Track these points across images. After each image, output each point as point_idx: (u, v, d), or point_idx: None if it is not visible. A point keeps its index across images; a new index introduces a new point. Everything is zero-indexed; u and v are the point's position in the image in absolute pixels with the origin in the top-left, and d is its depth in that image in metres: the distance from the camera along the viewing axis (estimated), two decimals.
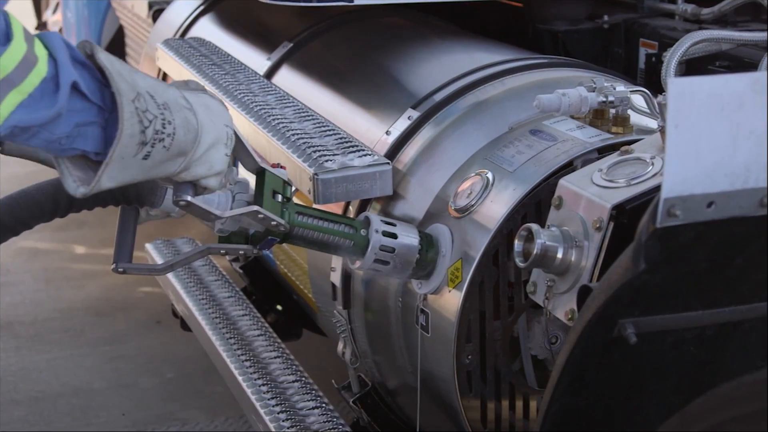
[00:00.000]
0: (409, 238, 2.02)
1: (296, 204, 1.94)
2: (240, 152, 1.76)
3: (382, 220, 2.02)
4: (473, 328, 2.01)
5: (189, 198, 1.65)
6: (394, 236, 2.00)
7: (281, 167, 1.88)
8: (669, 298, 1.45)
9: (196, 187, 1.65)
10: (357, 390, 2.42)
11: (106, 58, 1.47)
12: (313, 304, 2.68)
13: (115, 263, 1.80)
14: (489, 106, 2.27)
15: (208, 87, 2.80)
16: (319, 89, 2.80)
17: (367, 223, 2.02)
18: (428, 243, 2.03)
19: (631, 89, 2.07)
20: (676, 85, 1.31)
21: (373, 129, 2.42)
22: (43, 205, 1.81)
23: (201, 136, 1.57)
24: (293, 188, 1.92)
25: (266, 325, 2.77)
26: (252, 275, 3.18)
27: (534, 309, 1.99)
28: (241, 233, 1.92)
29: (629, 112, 2.05)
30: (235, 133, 1.70)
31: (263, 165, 1.82)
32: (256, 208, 1.80)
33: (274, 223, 1.84)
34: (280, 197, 1.86)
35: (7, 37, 1.38)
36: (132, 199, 1.83)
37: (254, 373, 2.50)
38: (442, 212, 2.09)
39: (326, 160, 2.16)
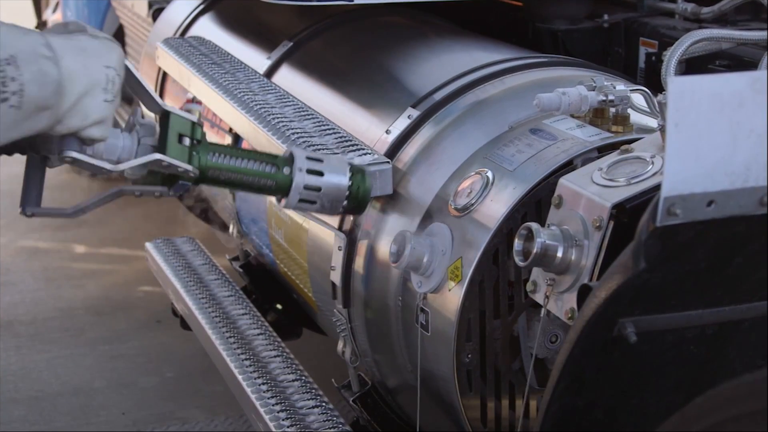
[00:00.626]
0: (337, 176, 1.90)
1: (210, 144, 1.82)
2: (139, 93, 1.68)
3: (307, 157, 1.90)
4: (473, 327, 2.01)
5: (74, 154, 1.57)
6: (320, 174, 1.89)
7: (196, 103, 1.82)
8: (669, 297, 1.45)
9: (83, 140, 1.57)
10: (357, 389, 2.42)
11: None
12: (313, 303, 2.68)
13: (23, 207, 1.70)
14: (489, 105, 2.27)
15: (208, 86, 2.80)
16: (319, 88, 2.80)
17: (291, 160, 1.89)
18: (361, 178, 1.92)
19: (631, 88, 2.07)
20: (676, 84, 1.30)
21: (372, 128, 2.42)
22: None
23: (66, 86, 1.48)
24: (202, 128, 1.80)
25: (266, 324, 2.77)
26: (252, 274, 3.18)
27: (534, 308, 1.99)
28: (156, 173, 1.79)
29: (629, 111, 2.05)
30: (131, 73, 1.62)
31: (166, 107, 1.72)
32: (157, 156, 1.70)
33: (181, 169, 1.75)
34: (188, 140, 1.74)
35: None
36: (26, 149, 1.71)
37: (254, 372, 2.50)
38: (442, 211, 2.09)
39: None
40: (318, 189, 1.88)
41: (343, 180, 1.90)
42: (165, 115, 1.72)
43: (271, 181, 1.87)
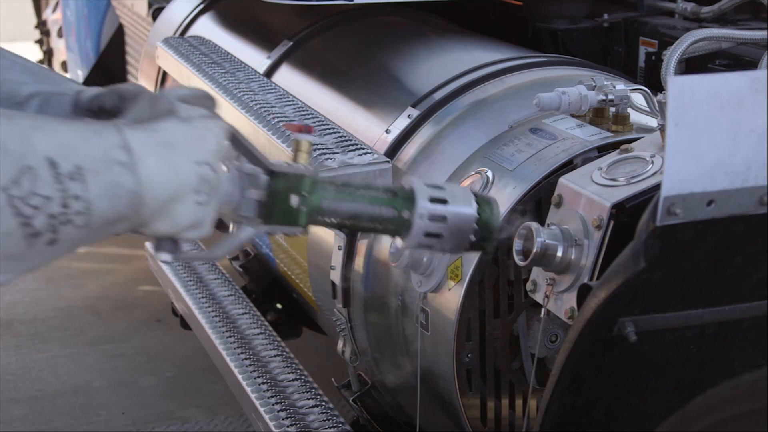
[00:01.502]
0: (463, 206, 1.62)
1: (322, 184, 1.56)
2: (244, 153, 1.49)
3: (430, 198, 1.62)
4: (473, 327, 2.01)
5: (167, 258, 1.39)
6: (443, 201, 1.62)
7: (307, 130, 1.58)
8: (669, 297, 1.45)
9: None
10: (357, 388, 2.42)
11: None
12: (312, 303, 2.68)
13: (157, 252, 1.46)
14: (489, 105, 2.27)
15: (208, 86, 2.80)
16: (319, 88, 2.80)
17: (411, 196, 1.61)
18: (489, 207, 1.64)
19: (630, 88, 2.07)
20: (676, 84, 1.30)
21: (372, 127, 2.42)
22: None
23: (145, 196, 1.26)
24: (315, 169, 1.58)
25: (266, 323, 2.77)
26: (252, 274, 3.18)
27: (534, 307, 1.99)
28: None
29: (629, 110, 2.05)
30: (236, 138, 1.42)
31: (275, 167, 1.51)
32: (257, 231, 1.53)
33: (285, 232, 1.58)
34: (296, 199, 1.53)
35: None
36: None
37: (254, 371, 2.50)
38: None
39: (326, 159, 2.16)
40: (443, 219, 1.62)
41: (469, 210, 1.63)
42: (273, 175, 1.51)
43: (390, 225, 1.62)
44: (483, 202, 1.64)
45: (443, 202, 1.60)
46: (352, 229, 1.64)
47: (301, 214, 1.54)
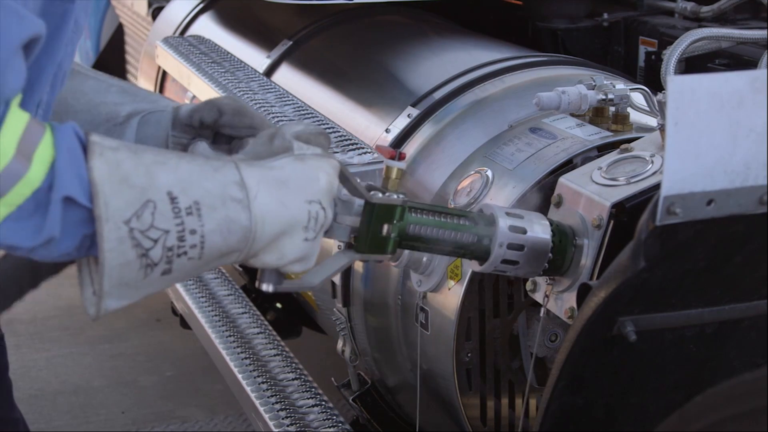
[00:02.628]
0: (540, 232, 1.68)
1: (410, 211, 1.58)
2: (344, 183, 1.48)
3: (510, 226, 1.66)
4: (473, 326, 2.01)
5: (270, 289, 1.43)
6: (522, 231, 1.66)
7: (400, 157, 1.60)
8: (668, 296, 1.45)
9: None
10: (356, 388, 2.42)
11: (99, 167, 1.23)
12: (312, 302, 2.68)
13: (260, 283, 1.49)
14: (488, 104, 2.27)
15: (208, 85, 2.80)
16: (319, 87, 2.80)
17: (492, 222, 1.66)
18: (562, 233, 1.71)
19: (630, 87, 2.07)
20: (676, 83, 1.30)
21: (372, 127, 2.42)
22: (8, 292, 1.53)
23: (257, 231, 1.31)
24: (404, 200, 1.56)
25: (266, 323, 2.77)
26: (251, 273, 3.18)
27: (534, 307, 1.99)
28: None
29: (629, 110, 2.05)
30: (343, 174, 1.43)
31: (372, 198, 1.51)
32: (353, 258, 1.54)
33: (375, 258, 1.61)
34: (387, 228, 1.53)
35: None
36: None
37: (254, 371, 2.50)
38: None
39: None
40: (521, 247, 1.66)
41: (546, 239, 1.68)
42: (368, 205, 1.52)
43: (469, 251, 1.65)
44: (558, 231, 1.71)
45: (522, 231, 1.64)
46: (433, 252, 1.66)
47: (390, 242, 1.55)
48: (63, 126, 1.24)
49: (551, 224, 1.70)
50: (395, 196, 1.53)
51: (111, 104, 1.58)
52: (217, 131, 1.61)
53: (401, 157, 1.61)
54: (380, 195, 1.51)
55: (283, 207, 1.32)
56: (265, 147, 1.39)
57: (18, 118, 1.20)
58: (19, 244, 1.22)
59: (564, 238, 1.70)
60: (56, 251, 1.24)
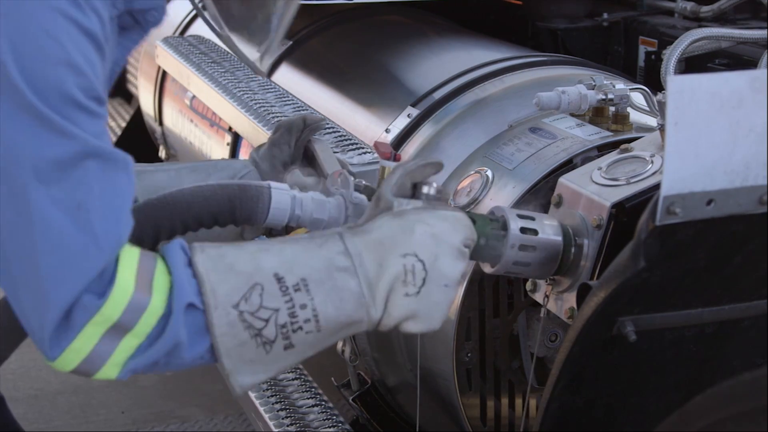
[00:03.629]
0: (551, 234, 1.67)
1: None
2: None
3: (521, 227, 1.64)
4: (473, 326, 2.01)
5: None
6: (534, 232, 1.65)
7: (395, 158, 1.62)
8: (668, 296, 1.45)
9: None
10: (356, 388, 2.42)
11: (203, 261, 1.29)
12: None
13: None
14: (488, 104, 2.27)
15: (208, 85, 2.80)
16: (319, 87, 2.80)
17: (503, 226, 1.63)
18: (571, 236, 1.71)
19: (630, 87, 2.07)
20: (676, 83, 1.30)
21: (372, 127, 2.42)
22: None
23: (368, 296, 1.34)
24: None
25: None
26: None
27: (533, 307, 1.99)
28: None
29: (629, 109, 2.05)
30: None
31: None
32: None
33: None
34: None
35: (111, 281, 1.26)
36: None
37: None
38: None
39: None
40: (533, 249, 1.65)
41: (558, 240, 1.68)
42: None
43: (481, 252, 1.63)
44: (570, 234, 1.70)
45: (534, 232, 1.64)
46: None
47: None
48: (169, 246, 1.31)
49: (563, 228, 1.69)
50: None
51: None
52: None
53: (397, 158, 1.62)
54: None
55: (380, 267, 1.34)
56: (373, 211, 1.43)
57: (130, 254, 1.28)
58: (153, 359, 1.35)
59: (565, 239, 1.70)
60: (189, 353, 1.31)
